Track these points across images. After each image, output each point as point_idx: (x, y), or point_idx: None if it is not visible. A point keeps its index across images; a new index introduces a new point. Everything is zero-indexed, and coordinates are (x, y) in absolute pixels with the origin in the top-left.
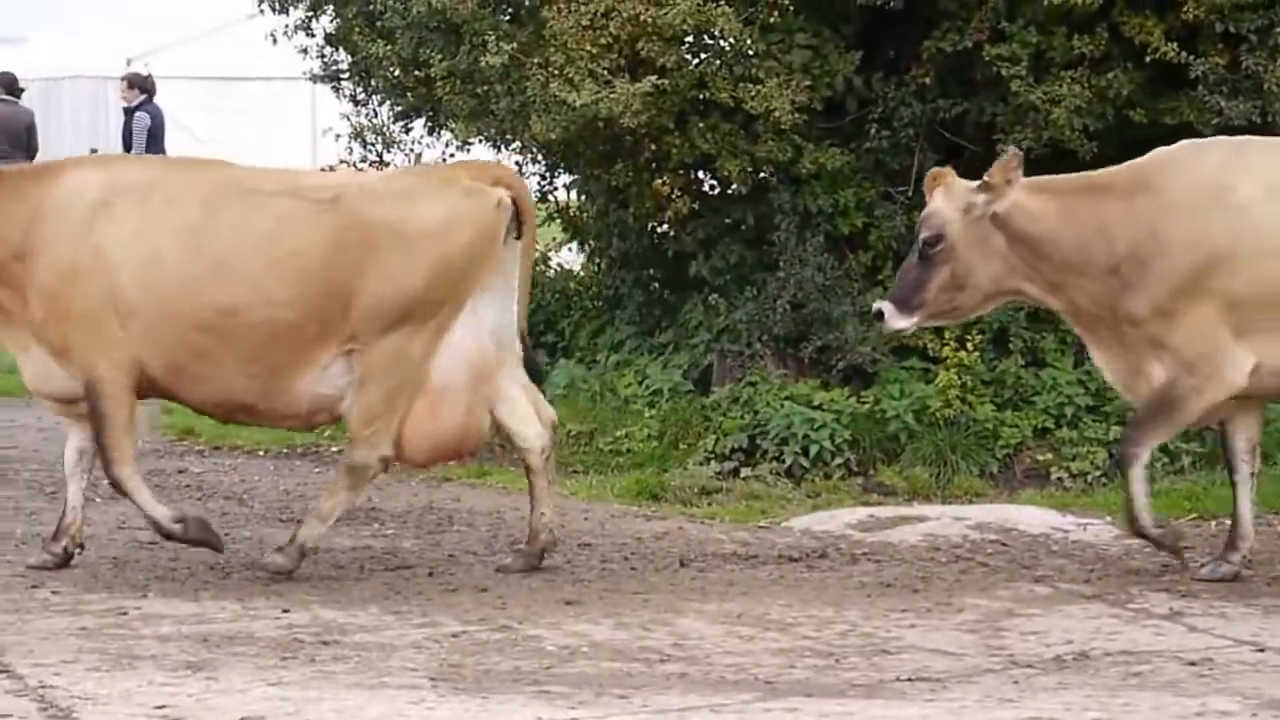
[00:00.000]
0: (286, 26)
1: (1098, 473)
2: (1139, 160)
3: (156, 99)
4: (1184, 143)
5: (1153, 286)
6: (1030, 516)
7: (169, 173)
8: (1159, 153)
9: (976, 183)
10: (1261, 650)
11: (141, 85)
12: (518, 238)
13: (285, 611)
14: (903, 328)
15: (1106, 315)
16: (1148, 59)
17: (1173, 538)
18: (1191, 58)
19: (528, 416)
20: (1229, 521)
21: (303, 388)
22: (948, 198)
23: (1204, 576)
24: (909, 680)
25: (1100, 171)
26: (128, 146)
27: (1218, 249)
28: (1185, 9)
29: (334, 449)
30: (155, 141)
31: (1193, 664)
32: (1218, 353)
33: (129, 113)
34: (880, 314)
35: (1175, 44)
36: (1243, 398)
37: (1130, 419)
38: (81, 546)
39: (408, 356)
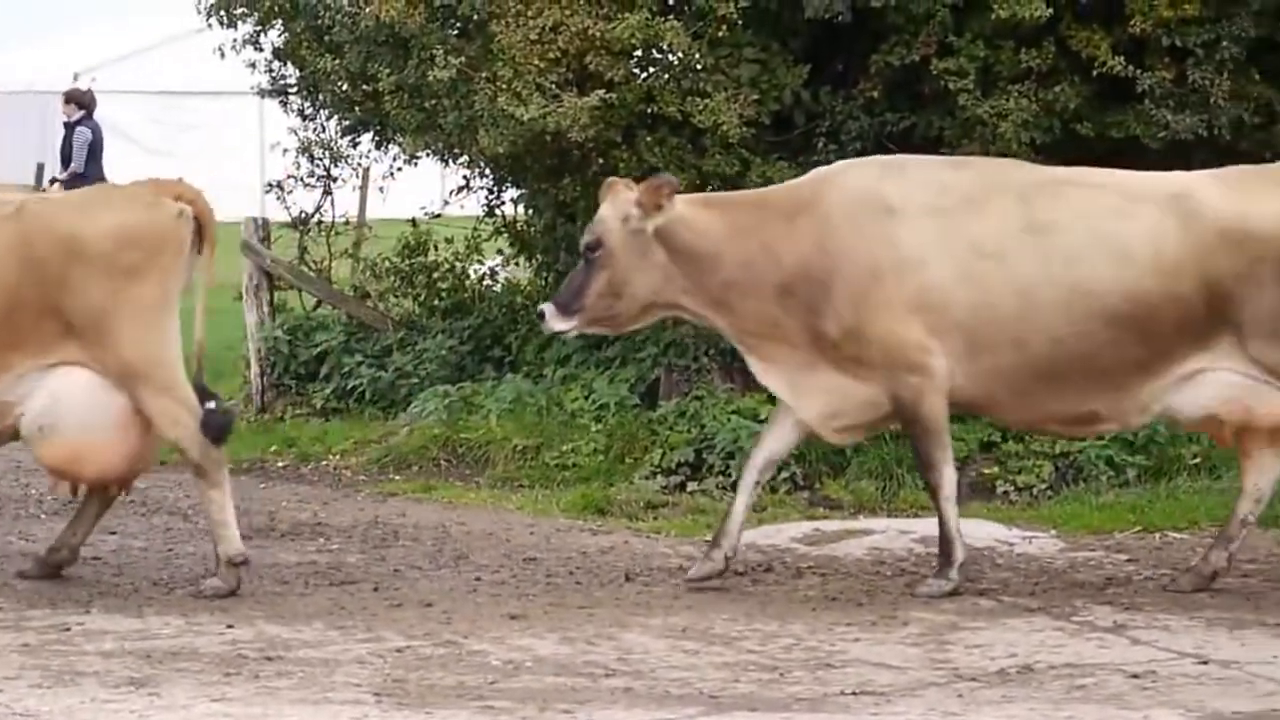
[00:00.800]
0: (234, 41)
1: (1043, 486)
2: (801, 178)
3: (99, 114)
4: (843, 161)
5: (839, 306)
6: (975, 530)
7: None
8: (820, 170)
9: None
10: (1204, 663)
11: (80, 101)
12: (199, 252)
13: (229, 627)
14: (562, 330)
15: (794, 340)
16: (1095, 73)
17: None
18: (1138, 71)
19: None
20: (1175, 535)
21: None
22: (612, 206)
23: None
24: (853, 694)
25: (766, 189)
26: (67, 161)
27: (880, 263)
28: (1132, 23)
29: (279, 464)
30: (95, 157)
31: (1136, 676)
32: (916, 358)
33: (69, 128)
34: (542, 314)
35: (1122, 58)
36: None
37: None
38: None
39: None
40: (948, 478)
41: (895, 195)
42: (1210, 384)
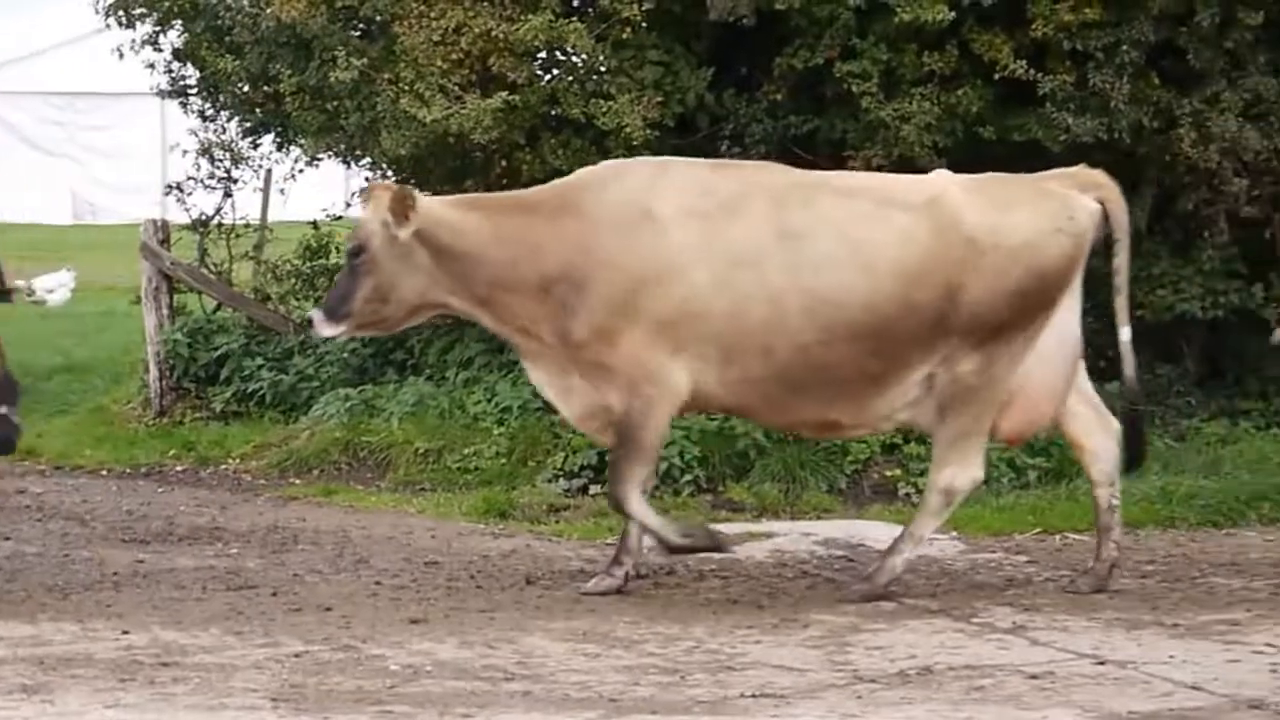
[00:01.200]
0: (133, 41)
1: None
2: (566, 179)
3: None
4: (607, 162)
5: (591, 307)
6: (877, 532)
7: None
8: (584, 171)
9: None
10: (1102, 663)
11: None
12: None
13: (124, 633)
14: (330, 335)
15: (546, 337)
16: (997, 76)
17: (706, 536)
18: (1040, 75)
19: None
20: (1075, 536)
21: None
22: (374, 211)
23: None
24: (753, 697)
25: (531, 189)
26: None
27: (643, 268)
28: (1034, 27)
29: (178, 468)
30: None
31: (1034, 677)
32: (657, 371)
33: None
34: (310, 321)
35: (1024, 61)
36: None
37: (609, 460)
38: None
39: None
40: (636, 494)
41: (657, 199)
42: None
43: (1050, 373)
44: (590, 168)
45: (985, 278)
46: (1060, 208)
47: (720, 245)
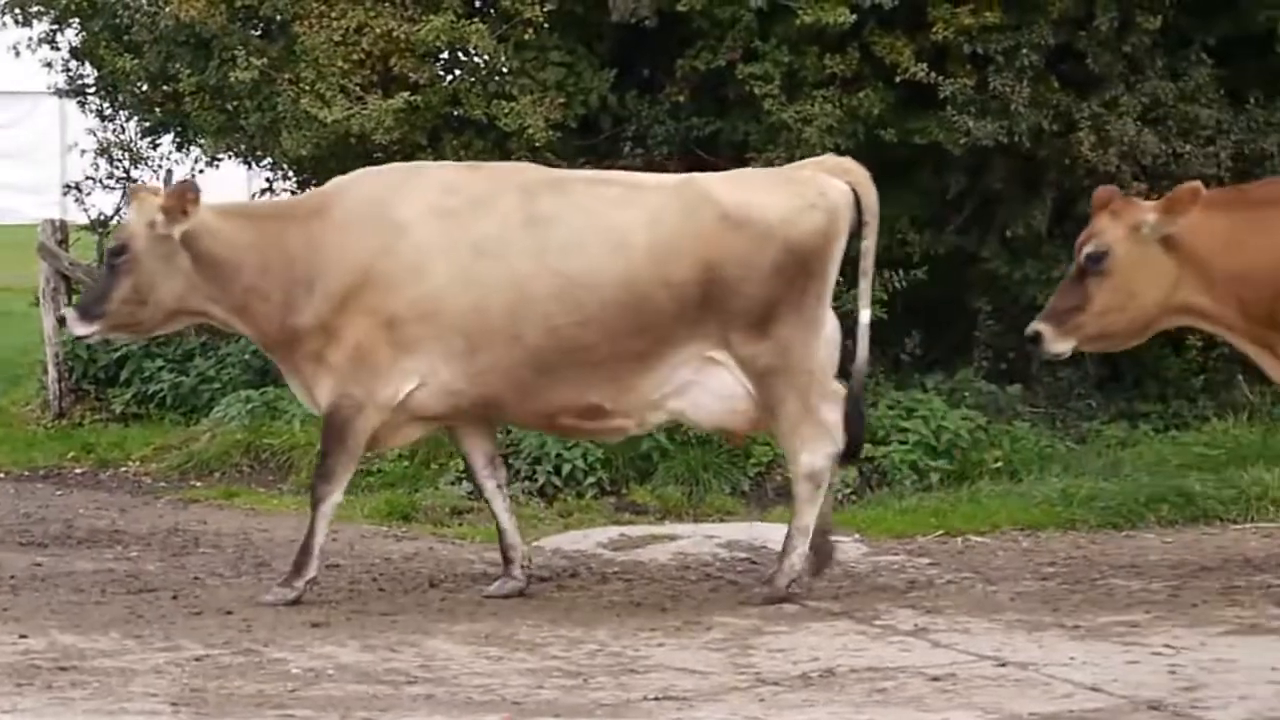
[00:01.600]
0: (30, 39)
1: (847, 490)
2: (324, 185)
3: None
4: (365, 169)
5: (317, 303)
6: (780, 534)
7: None
8: (341, 178)
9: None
10: (1003, 665)
11: None
12: None
13: (22, 637)
14: (84, 335)
15: (284, 338)
16: (898, 79)
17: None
18: (940, 78)
19: None
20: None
21: None
22: (138, 212)
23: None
24: (656, 699)
25: (294, 197)
26: None
27: (373, 267)
28: (935, 30)
29: (77, 471)
30: None
31: (936, 679)
32: (376, 371)
33: None
34: (63, 320)
35: (925, 64)
36: (451, 421)
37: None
38: None
39: None
40: (333, 498)
41: (402, 200)
42: (712, 393)
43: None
44: (348, 174)
45: (741, 254)
46: (811, 187)
47: (464, 240)
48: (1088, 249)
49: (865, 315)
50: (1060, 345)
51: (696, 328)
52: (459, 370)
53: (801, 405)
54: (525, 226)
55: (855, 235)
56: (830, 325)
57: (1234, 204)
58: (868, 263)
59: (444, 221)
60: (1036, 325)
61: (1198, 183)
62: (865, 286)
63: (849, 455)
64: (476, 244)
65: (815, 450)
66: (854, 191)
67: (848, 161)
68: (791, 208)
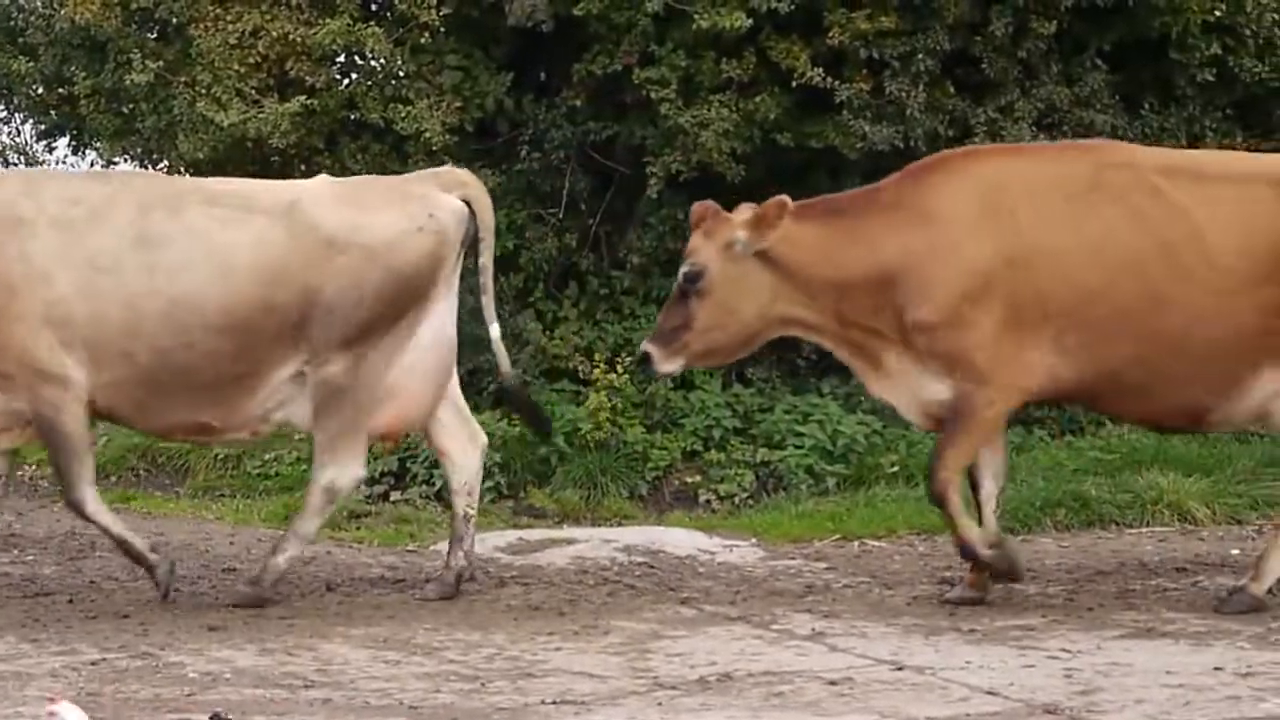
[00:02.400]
0: None
1: (745, 495)
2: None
3: None
4: None
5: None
6: (678, 538)
7: None
8: None
9: None
10: (900, 669)
11: None
12: None
13: None
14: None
15: None
16: (794, 84)
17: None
18: (836, 83)
19: None
20: (874, 543)
21: None
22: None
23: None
24: (554, 703)
25: None
26: None
27: (13, 276)
28: (831, 35)
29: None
30: None
31: (833, 683)
32: (51, 364)
33: None
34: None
35: (821, 69)
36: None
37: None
38: None
39: None
40: (90, 496)
41: (30, 209)
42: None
43: (424, 373)
44: None
45: (343, 278)
46: (420, 208)
47: (83, 253)
48: (684, 269)
49: (495, 330)
50: (669, 365)
51: (294, 346)
52: (92, 381)
53: (351, 421)
54: (138, 245)
55: (473, 249)
56: (439, 333)
57: (827, 215)
58: (486, 279)
59: (65, 233)
60: (645, 346)
61: (784, 196)
62: (488, 302)
63: (545, 430)
64: (92, 257)
65: (344, 469)
66: (469, 207)
67: (464, 174)
68: (399, 231)
